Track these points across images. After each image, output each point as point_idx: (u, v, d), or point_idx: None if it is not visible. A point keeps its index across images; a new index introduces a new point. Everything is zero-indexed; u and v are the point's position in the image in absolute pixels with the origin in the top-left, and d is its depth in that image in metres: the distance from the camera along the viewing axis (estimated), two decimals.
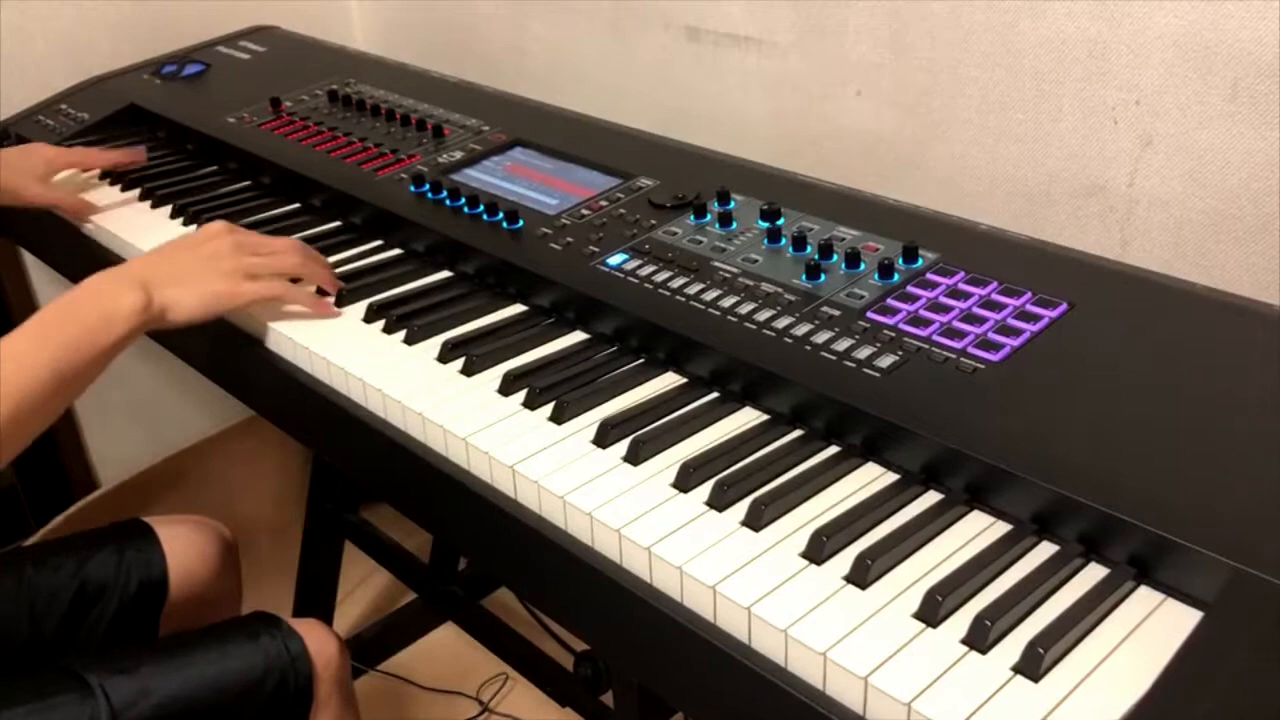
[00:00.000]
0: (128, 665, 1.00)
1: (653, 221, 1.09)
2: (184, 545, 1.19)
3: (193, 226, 1.27)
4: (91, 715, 0.94)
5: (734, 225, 1.06)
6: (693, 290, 0.97)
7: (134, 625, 1.14)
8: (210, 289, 0.99)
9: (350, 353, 1.00)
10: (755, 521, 0.76)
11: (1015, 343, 0.85)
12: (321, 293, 1.08)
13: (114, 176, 1.41)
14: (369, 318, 1.05)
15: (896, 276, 0.95)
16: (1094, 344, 0.85)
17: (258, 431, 1.95)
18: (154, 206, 1.33)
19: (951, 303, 0.91)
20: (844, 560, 0.72)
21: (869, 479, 0.80)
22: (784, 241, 1.02)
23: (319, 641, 1.08)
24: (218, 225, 1.05)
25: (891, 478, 0.80)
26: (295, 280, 1.07)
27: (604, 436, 0.85)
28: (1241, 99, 1.04)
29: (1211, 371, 0.81)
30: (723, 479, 0.79)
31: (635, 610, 0.75)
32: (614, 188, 1.17)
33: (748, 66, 1.46)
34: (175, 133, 1.52)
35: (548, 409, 0.89)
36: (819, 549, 0.72)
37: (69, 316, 0.93)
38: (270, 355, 1.06)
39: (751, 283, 0.97)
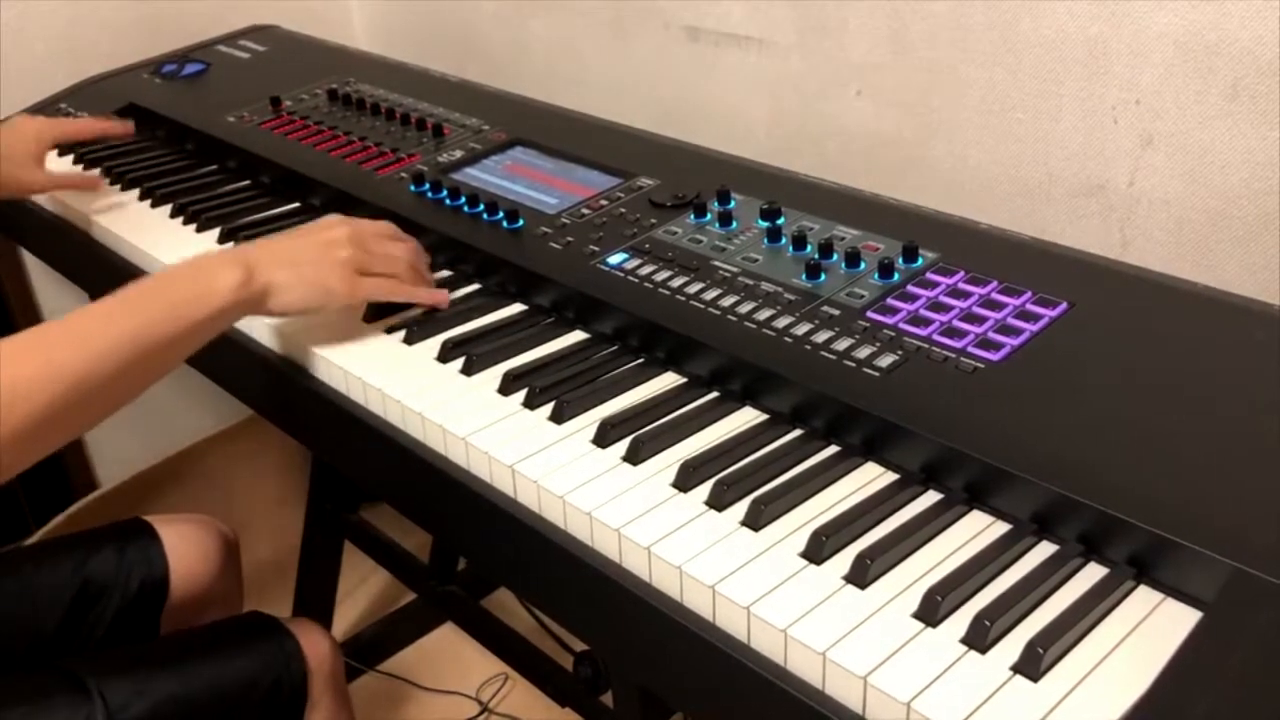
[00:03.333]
0: (124, 666, 1.00)
1: (653, 221, 1.09)
2: (186, 544, 1.19)
3: (192, 226, 1.27)
4: (88, 716, 0.94)
5: (734, 225, 1.06)
6: (693, 290, 0.97)
7: (135, 624, 1.14)
8: (321, 281, 0.94)
9: (350, 352, 1.00)
10: (755, 521, 0.76)
11: (1015, 342, 0.85)
12: None
13: (113, 176, 1.41)
14: (369, 317, 1.05)
15: (896, 276, 0.95)
16: (1094, 344, 0.85)
17: (258, 431, 1.95)
18: (154, 206, 1.33)
19: (951, 302, 0.91)
20: (843, 560, 0.72)
21: (869, 479, 0.80)
22: (784, 241, 1.02)
23: (313, 640, 1.09)
24: (334, 217, 1.01)
25: (891, 477, 0.80)
26: None
27: (604, 436, 0.85)
28: (1241, 99, 1.04)
29: (1211, 371, 0.81)
30: (722, 479, 0.79)
31: (635, 610, 0.75)
32: (614, 187, 1.17)
33: (748, 66, 1.45)
34: (175, 132, 1.51)
35: (547, 409, 0.89)
36: (818, 549, 0.72)
37: (161, 289, 0.88)
38: (270, 355, 1.06)
39: (751, 282, 0.97)
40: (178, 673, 1.01)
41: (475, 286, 1.10)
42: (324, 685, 1.08)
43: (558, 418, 0.88)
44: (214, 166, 1.44)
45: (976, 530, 0.75)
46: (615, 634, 0.82)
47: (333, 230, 0.98)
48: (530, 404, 0.90)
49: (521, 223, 1.12)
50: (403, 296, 1.01)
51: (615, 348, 0.98)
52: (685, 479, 0.80)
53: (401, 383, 0.95)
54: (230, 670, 1.02)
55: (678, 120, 1.51)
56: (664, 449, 0.84)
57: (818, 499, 0.78)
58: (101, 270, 1.31)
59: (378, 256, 0.99)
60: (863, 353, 0.86)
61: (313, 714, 1.08)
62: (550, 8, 1.69)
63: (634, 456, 0.83)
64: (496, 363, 0.96)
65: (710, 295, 0.96)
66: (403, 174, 1.26)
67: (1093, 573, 0.70)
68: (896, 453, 0.81)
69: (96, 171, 1.41)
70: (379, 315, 1.04)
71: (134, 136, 1.39)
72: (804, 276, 0.96)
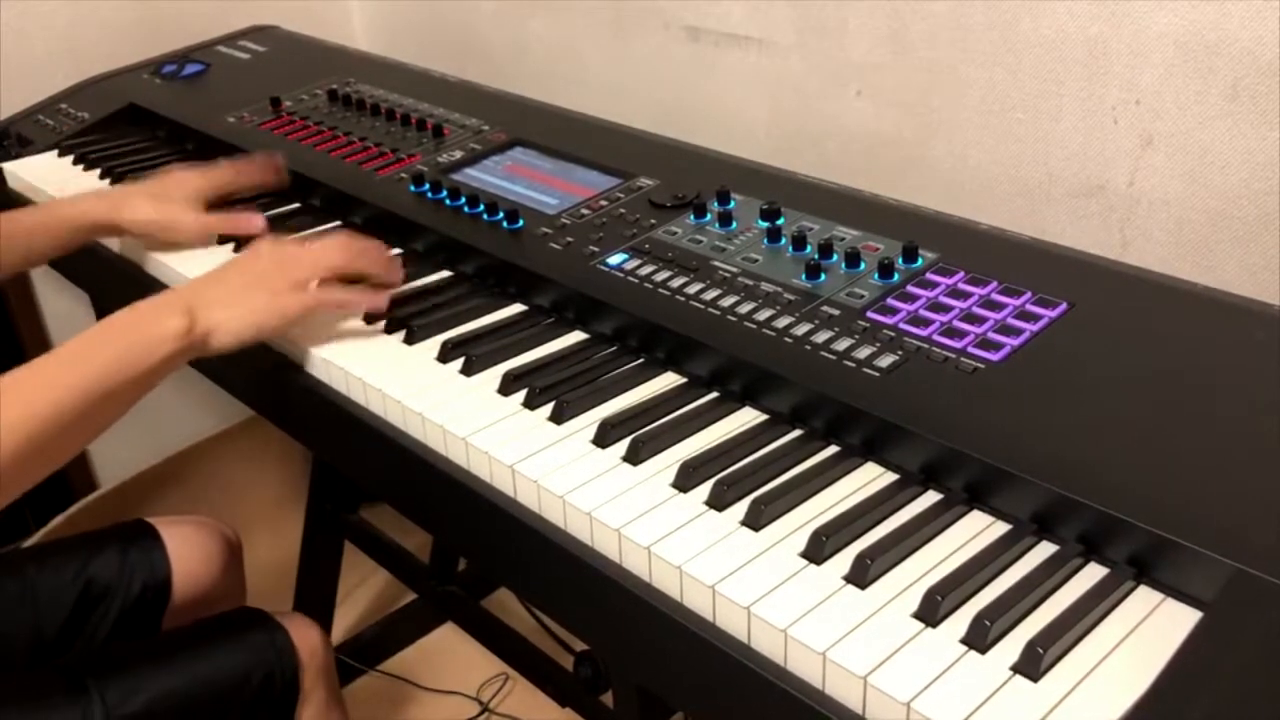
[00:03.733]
0: (121, 664, 1.00)
1: (653, 221, 1.09)
2: (188, 546, 1.19)
3: None
4: (86, 715, 0.94)
5: (734, 225, 1.06)
6: (692, 290, 0.97)
7: (137, 626, 1.14)
8: (253, 308, 0.94)
9: (350, 353, 1.00)
10: (755, 521, 0.76)
11: (1015, 342, 0.85)
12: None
13: (113, 176, 1.41)
14: (368, 319, 1.05)
15: (896, 276, 0.95)
16: (1094, 344, 0.85)
17: (258, 431, 1.95)
18: None
19: (951, 302, 0.91)
20: (843, 560, 0.72)
21: (869, 479, 0.80)
22: (784, 241, 1.02)
23: (303, 634, 1.09)
24: (263, 242, 1.01)
25: (891, 477, 0.80)
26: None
27: (604, 436, 0.85)
28: (1241, 99, 1.04)
29: (1211, 371, 0.81)
30: (722, 479, 0.79)
31: (635, 610, 0.75)
32: (614, 187, 1.17)
33: (748, 66, 1.46)
34: (175, 132, 1.51)
35: (547, 409, 0.89)
36: (818, 549, 0.72)
37: (107, 339, 0.89)
38: (270, 355, 1.06)
39: (751, 282, 0.97)
40: (173, 669, 1.01)
41: (475, 286, 1.11)
42: (315, 678, 1.09)
43: (558, 418, 0.88)
44: None
45: (976, 530, 0.75)
46: (615, 634, 0.81)
47: (260, 258, 0.98)
48: (530, 404, 0.90)
49: (521, 223, 1.12)
50: (340, 306, 1.01)
51: (615, 348, 0.98)
52: (685, 479, 0.80)
53: (401, 383, 0.95)
54: (224, 665, 1.03)
55: (678, 120, 1.51)
56: (664, 449, 0.84)
57: (818, 499, 0.78)
58: (101, 271, 1.31)
59: (310, 265, 0.98)
60: (863, 353, 0.86)
61: (304, 706, 1.08)
62: (550, 8, 1.69)
63: (634, 457, 0.83)
64: (496, 363, 0.96)
65: (710, 295, 0.96)
66: (403, 174, 1.26)
67: (1093, 573, 0.70)
68: (896, 453, 0.81)
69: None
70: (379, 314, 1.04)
71: (283, 172, 1.29)
72: (804, 277, 0.96)
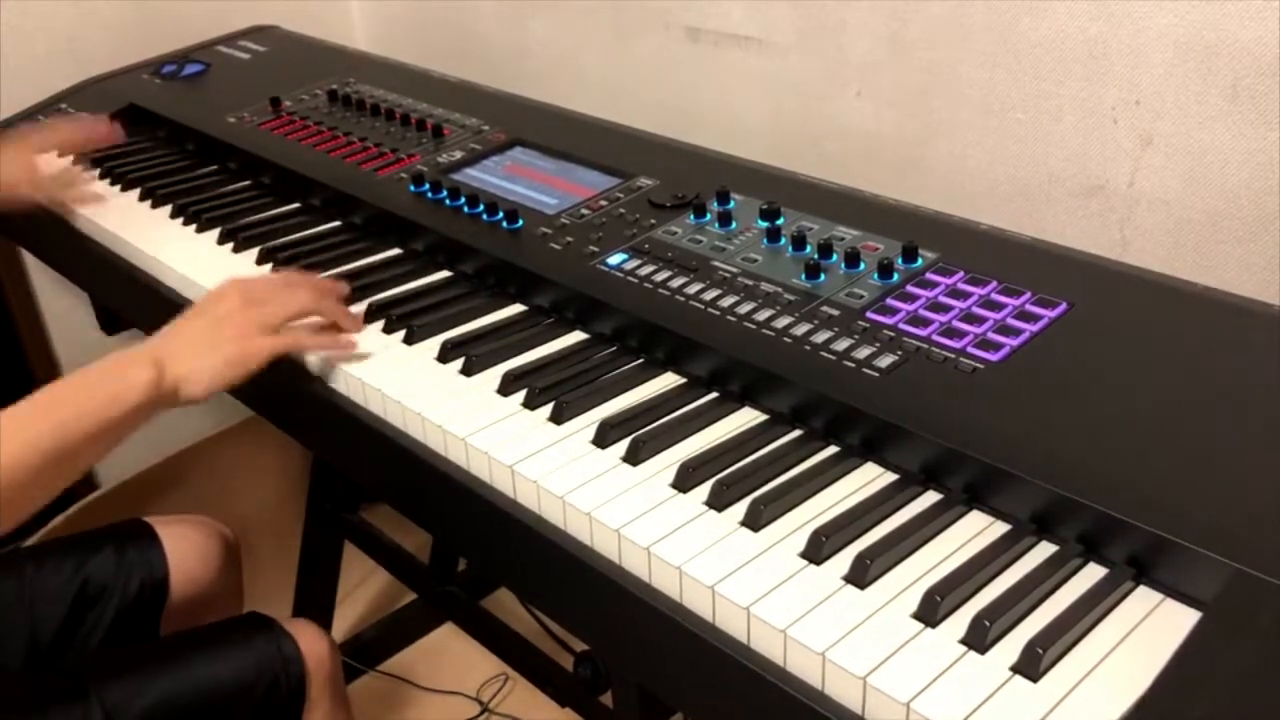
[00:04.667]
0: (122, 667, 1.00)
1: (652, 221, 1.09)
2: (185, 545, 1.19)
3: (192, 226, 1.27)
4: (85, 717, 0.94)
5: (733, 225, 1.06)
6: (692, 290, 0.97)
7: (135, 626, 1.14)
8: (221, 357, 0.94)
9: (350, 353, 1.00)
10: (754, 521, 0.76)
11: (1015, 342, 0.85)
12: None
13: (113, 176, 1.41)
14: (369, 317, 1.05)
15: (896, 276, 0.95)
16: (1094, 344, 0.85)
17: (258, 431, 1.95)
18: (154, 206, 1.33)
19: (951, 302, 0.91)
20: (843, 560, 0.72)
21: (868, 479, 0.80)
22: (783, 241, 1.02)
23: (310, 641, 1.09)
24: (226, 285, 0.99)
25: (890, 478, 0.80)
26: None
27: (603, 436, 0.85)
28: (1241, 99, 1.04)
29: (1211, 371, 0.81)
30: (722, 479, 0.79)
31: (634, 610, 0.75)
32: (614, 187, 1.17)
33: (748, 66, 1.45)
34: (175, 132, 1.52)
35: (547, 409, 0.89)
36: (818, 549, 0.72)
37: (76, 390, 0.90)
38: None
39: (751, 282, 0.97)
40: (175, 674, 1.01)
41: (474, 286, 1.10)
42: (322, 686, 1.08)
43: (557, 418, 0.88)
44: (214, 167, 1.44)
45: (976, 530, 0.75)
46: (615, 634, 0.81)
47: (224, 302, 0.98)
48: (530, 404, 0.90)
49: (521, 223, 1.12)
50: (305, 348, 1.00)
51: (615, 348, 0.98)
52: (685, 479, 0.80)
53: (401, 383, 0.95)
54: (228, 671, 1.02)
55: (677, 120, 1.51)
56: (663, 449, 0.84)
57: (817, 499, 0.78)
58: (102, 271, 1.31)
59: (276, 307, 0.98)
60: (862, 353, 0.86)
61: (311, 715, 1.08)
62: (550, 8, 1.69)
63: (633, 457, 0.83)
64: (496, 363, 0.96)
65: (710, 295, 0.96)
66: (403, 174, 1.26)
67: (1092, 573, 0.70)
68: (896, 453, 0.81)
69: (92, 175, 1.43)
70: (379, 314, 1.04)
71: (124, 140, 1.43)
72: (803, 277, 0.96)
